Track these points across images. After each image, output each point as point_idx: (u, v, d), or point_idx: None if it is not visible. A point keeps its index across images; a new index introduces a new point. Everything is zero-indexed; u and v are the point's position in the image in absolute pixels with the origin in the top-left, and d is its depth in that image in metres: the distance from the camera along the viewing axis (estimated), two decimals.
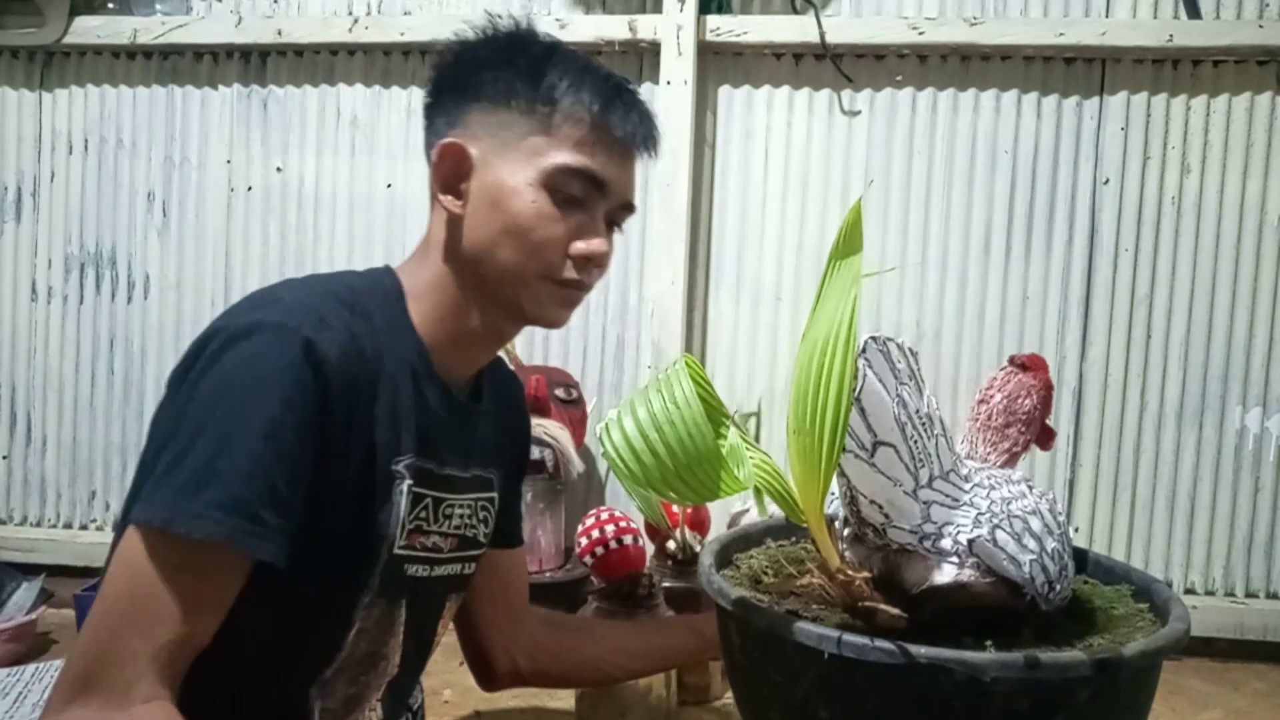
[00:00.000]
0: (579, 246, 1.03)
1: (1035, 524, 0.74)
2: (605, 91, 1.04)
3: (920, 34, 2.54)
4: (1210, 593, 2.61)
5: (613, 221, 1.09)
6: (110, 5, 2.83)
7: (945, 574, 0.72)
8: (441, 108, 1.08)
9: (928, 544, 0.72)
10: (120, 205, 2.89)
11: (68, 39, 2.82)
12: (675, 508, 2.20)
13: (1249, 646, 2.55)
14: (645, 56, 2.69)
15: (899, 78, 2.64)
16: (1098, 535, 2.63)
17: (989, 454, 0.79)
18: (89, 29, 2.81)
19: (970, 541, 0.72)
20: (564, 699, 2.10)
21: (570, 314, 1.08)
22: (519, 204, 1.00)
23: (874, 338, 0.73)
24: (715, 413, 0.78)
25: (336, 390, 0.90)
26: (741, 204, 2.70)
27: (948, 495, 0.73)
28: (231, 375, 0.85)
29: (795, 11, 2.60)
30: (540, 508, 2.55)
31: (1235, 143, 2.55)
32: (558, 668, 1.34)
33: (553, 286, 1.03)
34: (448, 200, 1.04)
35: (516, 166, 1.01)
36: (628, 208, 1.11)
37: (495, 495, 1.18)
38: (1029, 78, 2.60)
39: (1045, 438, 0.85)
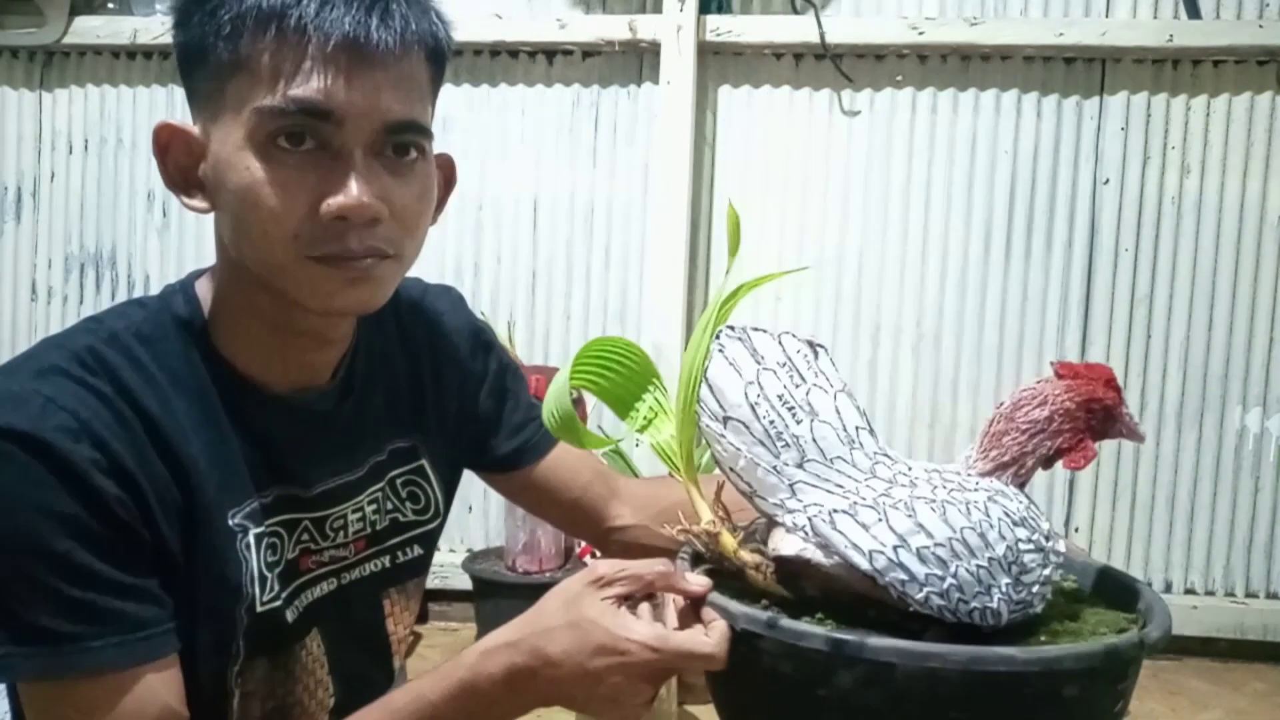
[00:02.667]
0: (325, 210, 0.77)
1: (938, 529, 0.72)
2: None
3: (920, 34, 2.54)
4: (1210, 593, 2.62)
5: (400, 147, 0.81)
6: (110, 5, 2.84)
7: (789, 546, 0.76)
8: (185, 87, 0.84)
9: (788, 519, 0.76)
10: (120, 205, 2.89)
11: (68, 39, 2.82)
12: None
13: (1249, 646, 2.55)
14: (645, 57, 2.69)
15: (899, 78, 2.64)
16: (1098, 535, 2.63)
17: (977, 460, 0.78)
18: (89, 29, 2.81)
19: (811, 518, 0.74)
20: None
21: (363, 292, 0.81)
22: (233, 178, 0.77)
23: (731, 327, 0.81)
24: (650, 372, 0.87)
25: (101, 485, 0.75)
26: (741, 204, 2.69)
27: (825, 479, 0.76)
28: None
29: (795, 11, 2.61)
30: None
31: (1235, 143, 2.55)
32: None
33: (315, 266, 0.78)
34: (191, 198, 0.82)
35: (228, 129, 0.77)
36: (404, 128, 0.80)
37: (423, 462, 1.01)
38: (1029, 78, 2.60)
39: (1066, 454, 0.77)
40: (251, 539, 0.84)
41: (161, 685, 0.77)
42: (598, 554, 1.78)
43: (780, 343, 0.81)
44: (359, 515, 0.95)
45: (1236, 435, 2.59)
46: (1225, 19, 2.51)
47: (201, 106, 0.80)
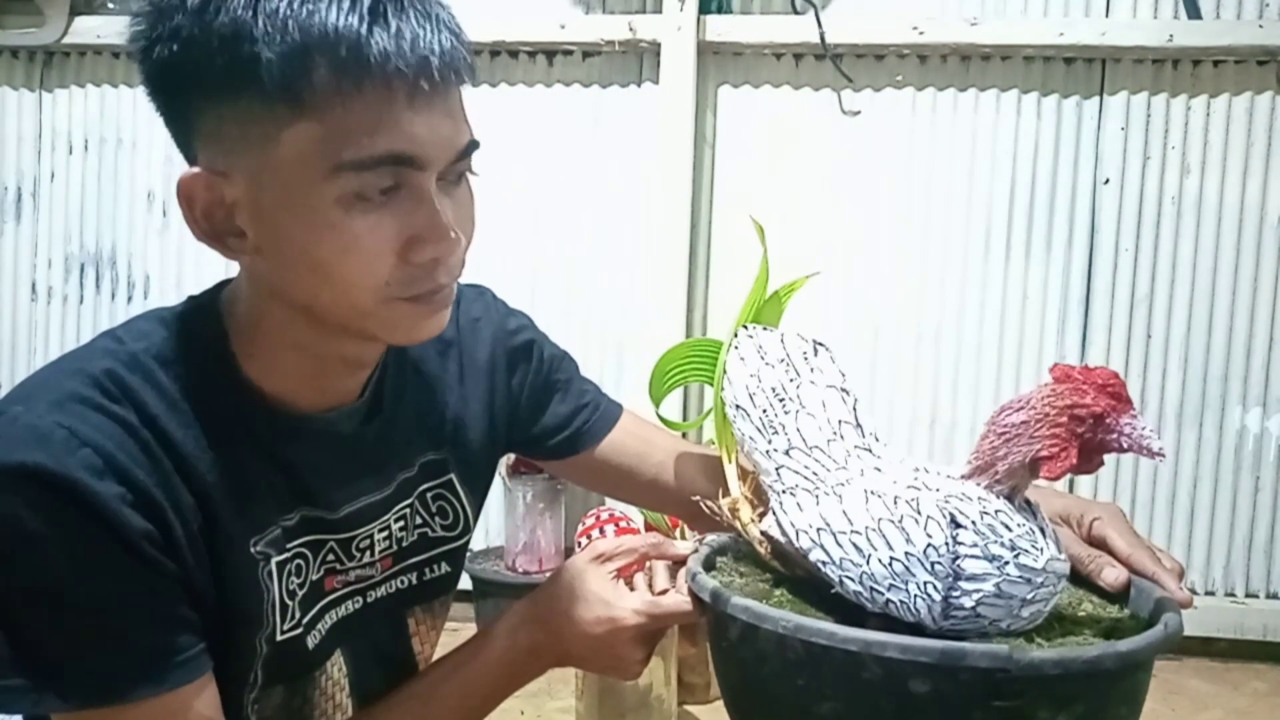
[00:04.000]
0: (417, 255, 0.75)
1: (858, 518, 0.74)
2: (355, 17, 0.69)
3: (920, 34, 2.54)
4: (1210, 593, 2.62)
5: (460, 174, 0.80)
6: (110, 5, 2.84)
7: (765, 522, 0.83)
8: (169, 115, 0.77)
9: (773, 499, 0.83)
10: (120, 205, 2.89)
11: (68, 39, 2.82)
12: None
13: (1249, 646, 2.55)
14: (645, 57, 2.69)
15: (899, 78, 2.64)
16: None
17: (966, 463, 0.77)
18: (89, 29, 2.81)
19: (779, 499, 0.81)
20: (564, 699, 2.10)
21: (442, 318, 0.81)
22: (312, 238, 0.73)
23: (746, 327, 0.90)
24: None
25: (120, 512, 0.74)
26: (741, 204, 2.69)
27: (805, 466, 0.81)
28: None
29: (795, 11, 2.61)
30: (540, 508, 2.55)
31: (1235, 143, 2.55)
32: None
33: (404, 305, 0.77)
34: (230, 247, 0.77)
35: (288, 182, 0.72)
36: (469, 151, 0.79)
37: (451, 476, 0.99)
38: (1029, 78, 2.60)
39: (1044, 463, 0.71)
40: (274, 566, 0.83)
41: (200, 704, 0.78)
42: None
43: (783, 341, 0.87)
44: (385, 534, 0.93)
45: (1236, 435, 2.59)
46: (1225, 19, 2.51)
47: (230, 148, 0.74)
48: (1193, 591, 2.68)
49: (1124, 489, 2.63)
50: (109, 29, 2.80)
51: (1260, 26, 2.47)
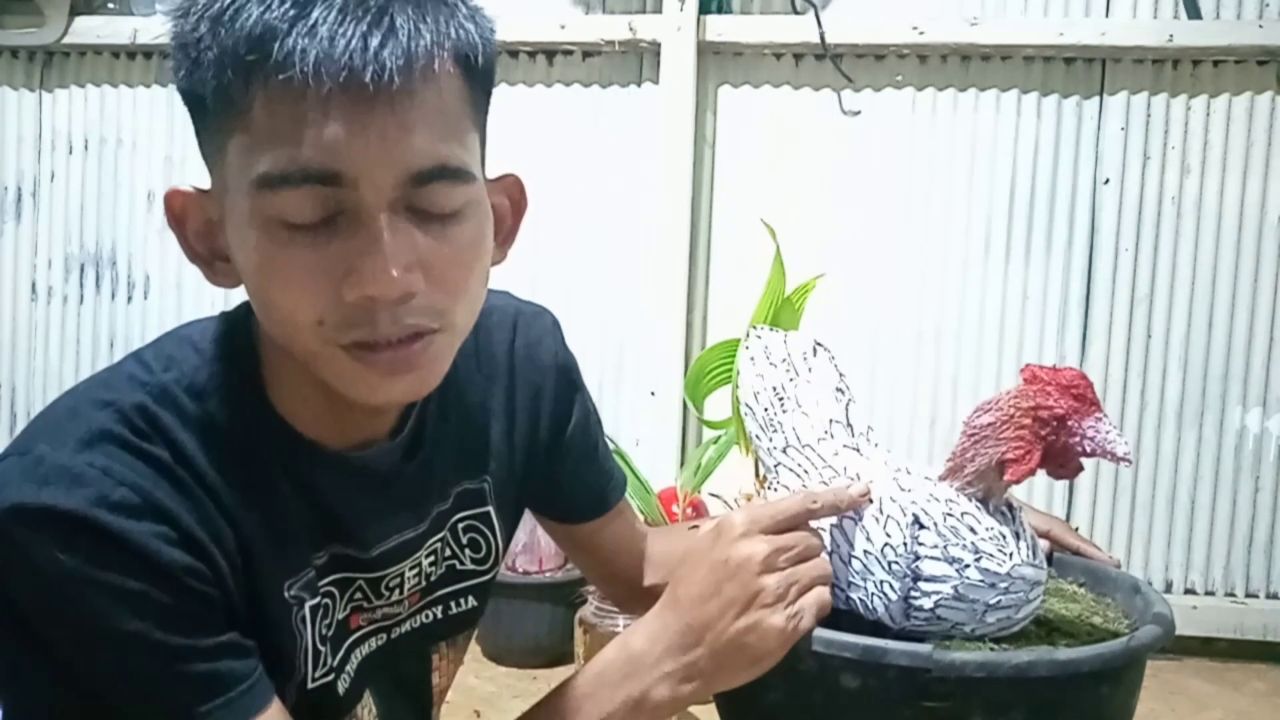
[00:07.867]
0: (349, 290, 0.65)
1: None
2: (278, 15, 0.61)
3: (920, 34, 2.54)
4: (1210, 593, 2.61)
5: (437, 207, 0.67)
6: (110, 5, 2.83)
7: None
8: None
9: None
10: (120, 205, 2.89)
11: (68, 39, 2.81)
12: (674, 507, 2.20)
13: (1249, 646, 2.55)
14: (645, 57, 2.69)
15: (899, 78, 2.64)
16: (1098, 535, 2.63)
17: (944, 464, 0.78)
18: (89, 29, 2.81)
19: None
20: None
21: (408, 382, 0.70)
22: (243, 259, 0.68)
23: (755, 328, 0.91)
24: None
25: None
26: (741, 204, 2.69)
27: (798, 464, 0.83)
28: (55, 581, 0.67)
29: (795, 11, 2.60)
30: None
31: (1235, 143, 2.55)
32: None
33: (344, 356, 0.68)
34: (216, 271, 0.74)
35: (235, 197, 0.67)
36: (433, 176, 0.66)
37: (489, 509, 0.92)
38: (1029, 78, 2.60)
39: (1009, 465, 0.69)
40: (307, 611, 0.79)
41: None
42: None
43: (786, 342, 0.89)
44: (416, 571, 0.89)
45: (1236, 435, 2.59)
46: (1225, 19, 2.51)
47: (210, 167, 0.71)
48: (1192, 592, 2.69)
49: (1124, 489, 2.63)
50: (109, 29, 2.80)
51: (1260, 26, 2.46)
